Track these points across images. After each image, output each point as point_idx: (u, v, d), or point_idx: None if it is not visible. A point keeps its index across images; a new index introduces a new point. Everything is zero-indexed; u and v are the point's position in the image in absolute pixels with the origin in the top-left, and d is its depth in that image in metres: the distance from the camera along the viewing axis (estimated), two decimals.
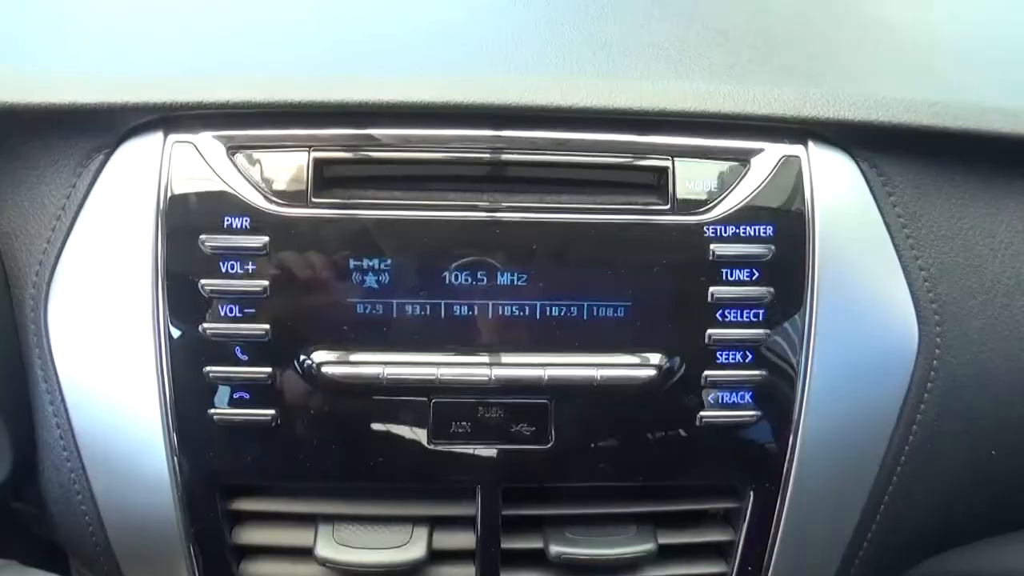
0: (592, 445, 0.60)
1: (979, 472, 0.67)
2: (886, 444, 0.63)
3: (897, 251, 0.62)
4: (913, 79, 0.67)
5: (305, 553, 0.62)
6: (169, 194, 0.57)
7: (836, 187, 0.61)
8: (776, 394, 0.60)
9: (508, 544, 0.63)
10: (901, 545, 0.68)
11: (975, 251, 0.64)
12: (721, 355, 0.59)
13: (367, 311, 0.57)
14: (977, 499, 0.69)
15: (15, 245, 0.60)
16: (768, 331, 0.59)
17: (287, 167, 0.57)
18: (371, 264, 0.57)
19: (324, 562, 0.61)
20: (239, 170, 0.57)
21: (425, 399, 0.58)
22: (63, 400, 0.60)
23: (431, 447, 0.59)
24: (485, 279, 0.58)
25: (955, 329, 0.63)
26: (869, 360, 0.62)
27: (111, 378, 0.59)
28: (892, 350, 0.62)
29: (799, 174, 0.60)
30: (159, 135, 0.58)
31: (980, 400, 0.65)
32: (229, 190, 0.57)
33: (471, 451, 0.59)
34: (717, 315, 0.59)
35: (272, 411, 0.58)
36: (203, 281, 0.57)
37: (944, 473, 0.66)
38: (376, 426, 0.59)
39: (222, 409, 0.58)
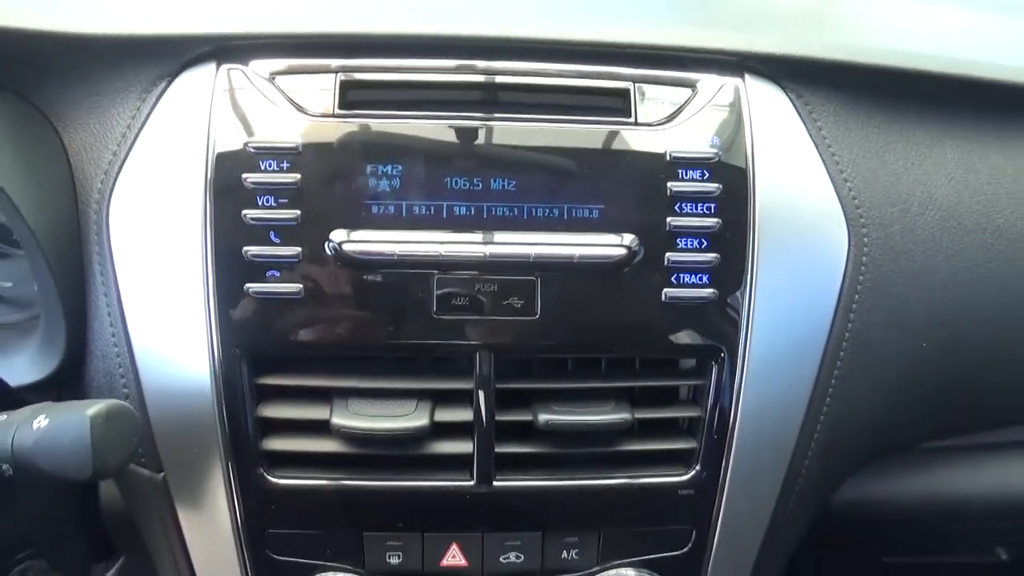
0: (573, 317, 0.69)
1: (915, 366, 0.77)
2: (828, 326, 0.73)
3: (824, 165, 0.74)
4: (837, 30, 0.82)
5: (321, 427, 0.70)
6: (220, 110, 0.69)
7: (769, 110, 0.73)
8: (729, 276, 0.71)
9: (501, 416, 0.71)
10: (852, 434, 0.76)
11: (891, 168, 0.76)
12: (680, 241, 0.70)
13: (382, 200, 0.68)
14: (918, 393, 0.78)
15: (84, 159, 0.72)
16: (719, 220, 0.70)
17: (317, 88, 0.70)
18: (385, 163, 0.68)
19: (339, 429, 0.69)
20: (279, 90, 0.70)
21: (430, 274, 0.68)
22: (117, 289, 0.70)
23: (436, 318, 0.69)
24: (480, 184, 0.70)
25: (879, 232, 0.75)
26: (807, 250, 0.73)
27: (161, 266, 0.69)
28: (827, 245, 0.73)
29: (737, 98, 0.73)
30: (212, 64, 0.71)
31: (906, 294, 0.75)
32: (270, 105, 0.69)
33: (470, 322, 0.69)
34: (675, 207, 0.70)
35: (300, 285, 0.68)
36: (245, 175, 0.68)
37: (883, 363, 0.75)
38: (388, 299, 0.68)
39: (256, 284, 0.68)
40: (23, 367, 0.74)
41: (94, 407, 0.58)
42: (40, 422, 0.58)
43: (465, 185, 0.69)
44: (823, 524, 0.89)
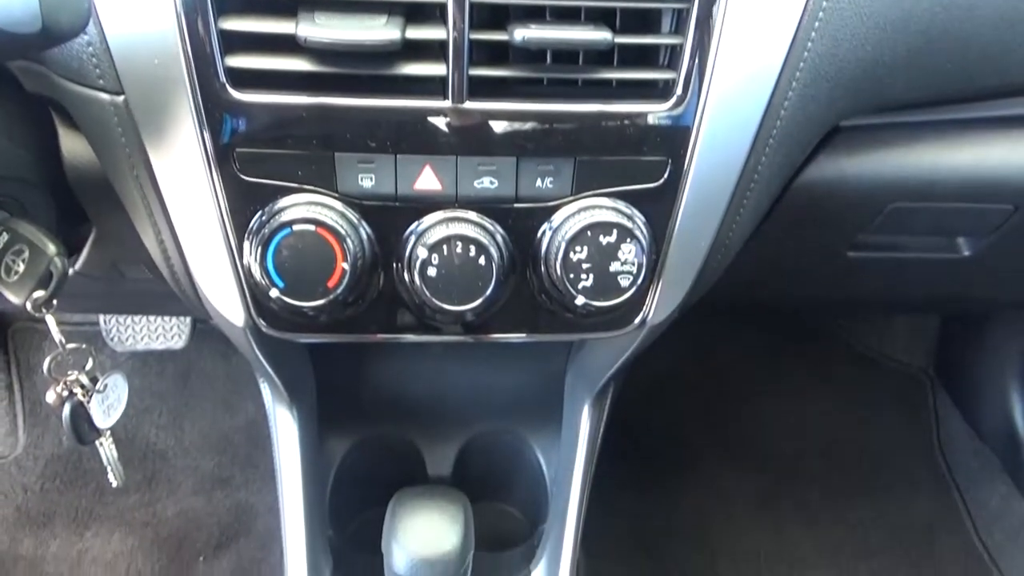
0: None
1: (903, 6, 0.74)
2: None
3: None
4: None
5: (286, 44, 0.67)
6: None
7: None
8: None
9: (476, 35, 0.68)
10: (834, 74, 0.75)
11: None
12: None
13: None
14: (904, 36, 0.75)
15: None
16: None
17: None
18: None
19: (305, 40, 0.66)
20: None
21: None
22: None
23: None
24: None
25: None
26: None
27: None
28: None
29: None
30: None
31: None
32: None
33: None
34: None
35: None
36: None
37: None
38: None
39: None
40: None
41: None
42: None
43: None
44: (792, 214, 0.90)
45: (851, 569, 1.80)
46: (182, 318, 1.88)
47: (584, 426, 1.15)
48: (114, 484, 0.96)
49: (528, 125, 0.71)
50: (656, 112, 0.72)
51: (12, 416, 1.92)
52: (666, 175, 0.74)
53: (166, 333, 1.87)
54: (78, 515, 1.80)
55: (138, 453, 1.90)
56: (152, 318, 1.86)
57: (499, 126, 0.70)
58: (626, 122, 0.72)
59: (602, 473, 1.18)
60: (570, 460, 1.16)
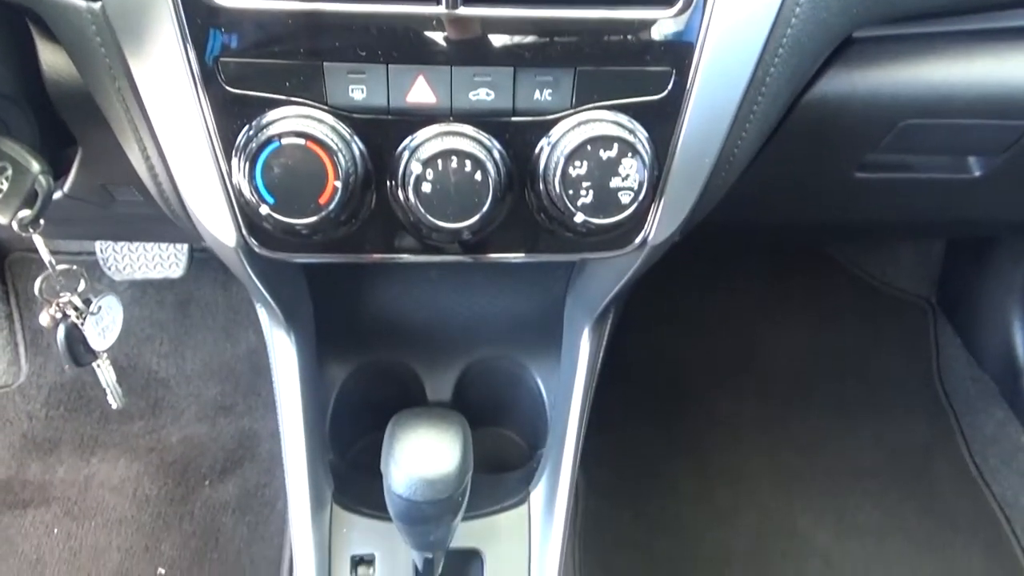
0: None
1: None
2: None
3: None
4: None
5: None
6: None
7: None
8: None
9: None
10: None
11: None
12: None
13: None
14: None
15: None
16: None
17: None
18: None
19: None
20: None
21: None
22: None
23: None
24: None
25: None
26: None
27: None
28: None
29: None
30: None
31: None
32: None
33: None
34: None
35: None
36: None
37: None
38: None
39: None
40: None
41: None
42: None
43: None
44: (800, 131, 0.87)
45: (845, 490, 1.83)
46: (179, 246, 1.87)
47: (583, 351, 1.15)
48: (114, 406, 0.97)
49: (526, 33, 0.67)
50: (660, 19, 0.68)
51: (13, 345, 1.93)
52: (670, 87, 0.71)
53: (163, 262, 1.86)
54: (83, 441, 1.83)
55: (140, 381, 1.91)
56: (149, 247, 1.84)
57: (496, 34, 0.67)
58: (629, 30, 0.68)
59: (601, 398, 1.19)
60: (569, 385, 1.16)
